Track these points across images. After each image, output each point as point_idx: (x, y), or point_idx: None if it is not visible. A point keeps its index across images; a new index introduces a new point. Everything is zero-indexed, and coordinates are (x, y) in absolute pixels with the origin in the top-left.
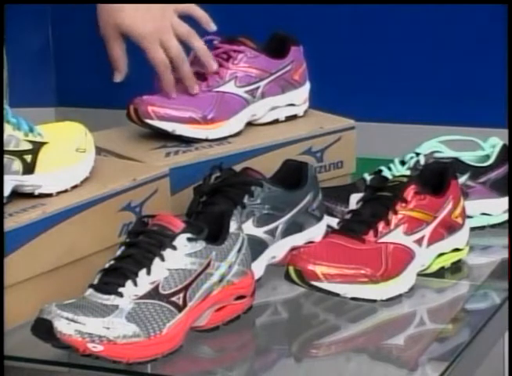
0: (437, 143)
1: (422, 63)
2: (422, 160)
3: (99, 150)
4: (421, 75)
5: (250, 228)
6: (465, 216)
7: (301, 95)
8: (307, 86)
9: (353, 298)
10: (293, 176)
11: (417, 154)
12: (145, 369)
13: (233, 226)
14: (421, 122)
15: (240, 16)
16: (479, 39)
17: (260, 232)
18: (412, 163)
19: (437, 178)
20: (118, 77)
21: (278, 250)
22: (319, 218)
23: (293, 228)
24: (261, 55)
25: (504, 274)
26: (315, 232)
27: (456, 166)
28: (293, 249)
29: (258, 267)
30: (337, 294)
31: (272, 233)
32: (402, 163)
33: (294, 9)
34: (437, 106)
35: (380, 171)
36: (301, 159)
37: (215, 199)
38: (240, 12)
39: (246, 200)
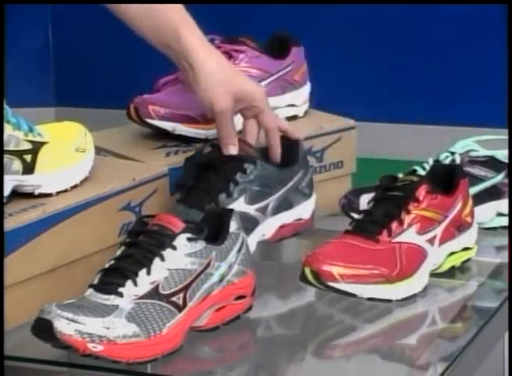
0: (471, 142)
1: (421, 63)
2: (458, 160)
3: (99, 150)
4: (421, 75)
5: (241, 205)
6: (474, 215)
7: (301, 95)
8: (307, 87)
9: (369, 299)
10: (284, 154)
11: (452, 153)
12: (145, 369)
13: (233, 226)
14: (421, 122)
15: (241, 16)
16: (479, 39)
17: (251, 209)
18: (447, 162)
19: (445, 177)
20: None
21: (268, 227)
22: (308, 196)
23: (283, 205)
24: (262, 55)
25: (504, 274)
26: (304, 209)
27: (493, 164)
28: (282, 226)
29: (249, 244)
30: (354, 295)
31: (263, 210)
32: (437, 162)
33: (295, 9)
34: (437, 106)
35: (415, 170)
36: None
37: (208, 174)
38: (241, 12)
39: (238, 177)
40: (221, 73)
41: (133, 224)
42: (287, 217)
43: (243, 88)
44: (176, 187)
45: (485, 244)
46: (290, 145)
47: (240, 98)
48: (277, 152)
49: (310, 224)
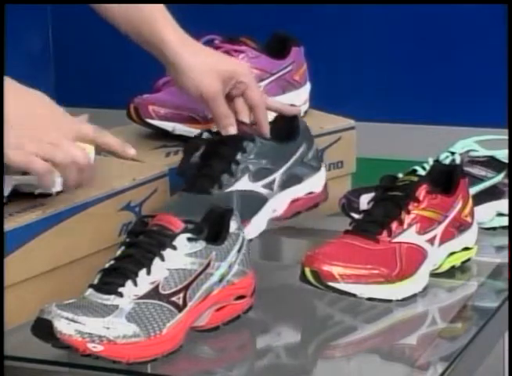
0: (471, 142)
1: (422, 63)
2: (458, 160)
3: (99, 150)
4: (421, 75)
5: (246, 183)
6: (474, 215)
7: (301, 95)
8: (307, 87)
9: (369, 299)
10: (284, 130)
11: (452, 153)
12: (145, 369)
13: (233, 226)
14: (421, 122)
15: (241, 16)
16: (479, 39)
17: (257, 186)
18: (447, 162)
19: (445, 177)
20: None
21: (278, 203)
22: (317, 168)
23: (292, 180)
24: (262, 55)
25: (504, 274)
26: (315, 182)
27: (493, 164)
28: (294, 201)
29: (259, 221)
30: (354, 295)
31: (269, 186)
32: (437, 162)
33: (295, 9)
34: (437, 106)
35: (415, 170)
36: None
37: (208, 159)
38: (241, 12)
39: (239, 156)
40: (201, 62)
41: (133, 224)
42: (298, 191)
43: (228, 68)
44: (177, 174)
45: (485, 244)
46: (288, 120)
47: (227, 78)
48: (266, 128)
49: (323, 197)
